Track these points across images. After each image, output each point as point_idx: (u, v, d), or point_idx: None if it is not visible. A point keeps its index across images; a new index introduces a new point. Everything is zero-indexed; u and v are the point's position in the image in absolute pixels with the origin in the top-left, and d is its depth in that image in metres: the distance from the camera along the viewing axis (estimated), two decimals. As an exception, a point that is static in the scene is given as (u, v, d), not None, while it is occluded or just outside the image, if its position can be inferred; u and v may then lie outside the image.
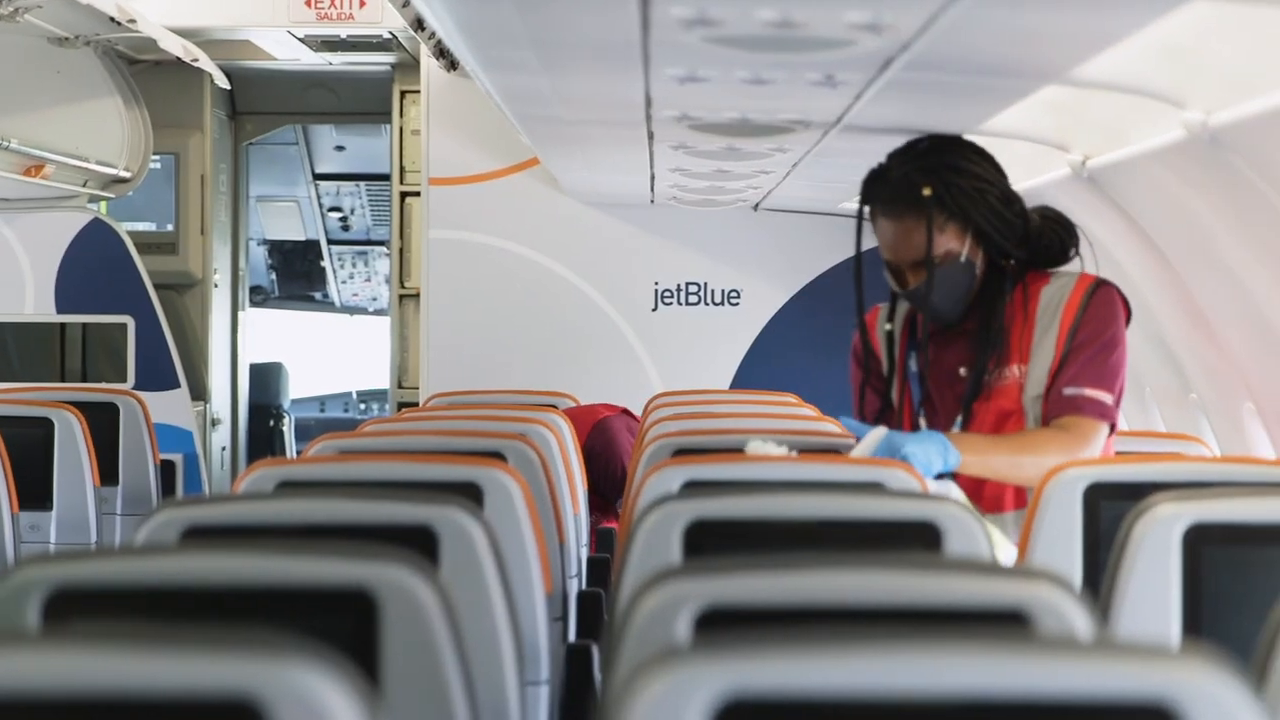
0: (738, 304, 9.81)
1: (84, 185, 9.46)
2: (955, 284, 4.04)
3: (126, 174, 9.65)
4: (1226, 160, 4.14)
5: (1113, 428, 3.99)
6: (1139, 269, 5.62)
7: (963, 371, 4.10)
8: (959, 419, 4.06)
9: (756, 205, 9.24)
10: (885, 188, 4.08)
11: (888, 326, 4.24)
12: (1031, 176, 5.81)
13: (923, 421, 4.11)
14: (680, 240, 9.75)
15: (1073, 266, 4.20)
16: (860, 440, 3.84)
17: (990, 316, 4.06)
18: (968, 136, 4.36)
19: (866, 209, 4.14)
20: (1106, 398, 3.96)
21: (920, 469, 3.67)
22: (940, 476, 3.84)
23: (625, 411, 7.02)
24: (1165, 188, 4.77)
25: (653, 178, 7.48)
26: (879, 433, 3.82)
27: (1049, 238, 4.10)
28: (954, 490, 3.81)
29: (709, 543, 2.71)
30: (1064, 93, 4.55)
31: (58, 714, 1.56)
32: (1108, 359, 3.98)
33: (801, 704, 1.60)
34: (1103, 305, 4.01)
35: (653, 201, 9.07)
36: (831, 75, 4.03)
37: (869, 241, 4.16)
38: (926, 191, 4.01)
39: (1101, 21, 3.42)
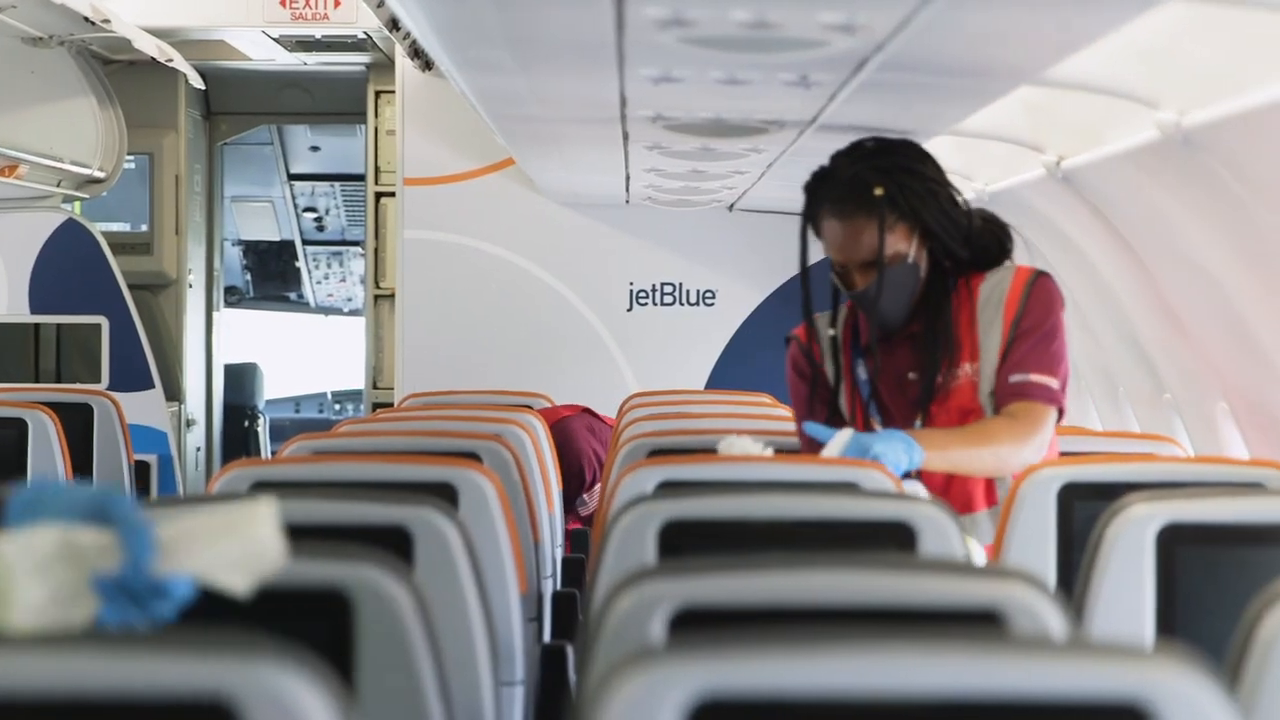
0: (713, 304, 9.82)
1: (58, 185, 9.44)
2: (902, 286, 4.03)
3: (101, 174, 9.62)
4: (1200, 160, 4.15)
5: (1061, 413, 4.00)
6: (1113, 269, 5.63)
7: (912, 376, 4.09)
8: (917, 423, 4.05)
9: (731, 206, 9.24)
10: (835, 187, 4.05)
11: (830, 332, 4.22)
12: (1006, 177, 5.82)
13: (878, 427, 4.09)
14: (655, 241, 9.75)
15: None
16: (827, 443, 3.83)
17: (936, 319, 4.05)
18: (943, 137, 4.36)
19: (812, 210, 4.12)
20: (1052, 382, 3.98)
21: (890, 468, 3.67)
22: (905, 476, 3.83)
23: (587, 410, 7.03)
24: (1139, 188, 4.78)
25: (628, 178, 7.48)
26: (846, 434, 3.82)
27: (988, 239, 4.13)
28: (920, 491, 3.81)
29: (684, 543, 2.71)
30: (1038, 93, 4.56)
31: (37, 714, 1.55)
32: (1050, 345, 4.00)
33: (775, 704, 1.60)
34: (1043, 294, 4.04)
35: (628, 202, 9.07)
36: (806, 76, 4.03)
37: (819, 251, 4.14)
38: (879, 191, 3.99)
39: (1076, 23, 3.43)
